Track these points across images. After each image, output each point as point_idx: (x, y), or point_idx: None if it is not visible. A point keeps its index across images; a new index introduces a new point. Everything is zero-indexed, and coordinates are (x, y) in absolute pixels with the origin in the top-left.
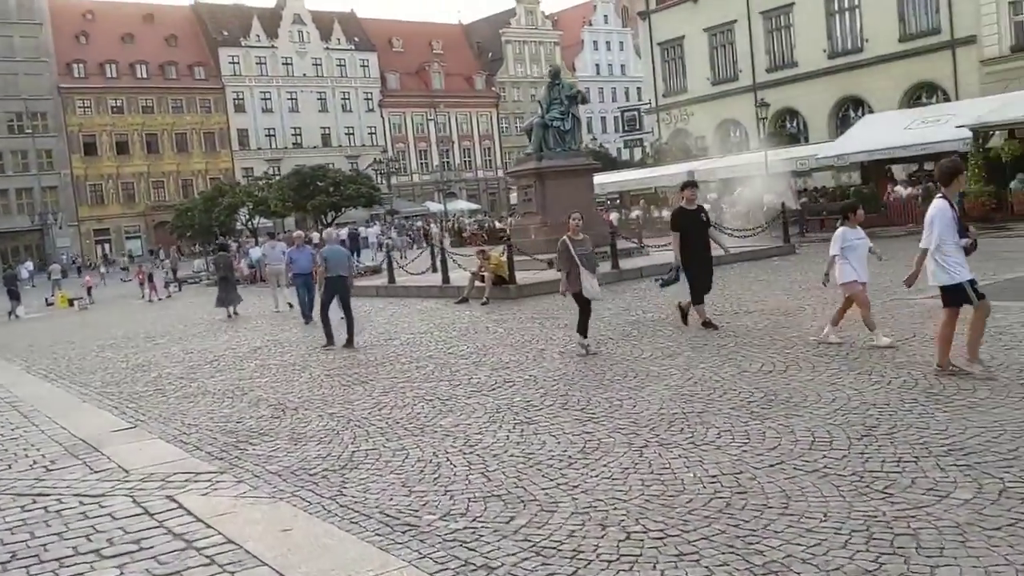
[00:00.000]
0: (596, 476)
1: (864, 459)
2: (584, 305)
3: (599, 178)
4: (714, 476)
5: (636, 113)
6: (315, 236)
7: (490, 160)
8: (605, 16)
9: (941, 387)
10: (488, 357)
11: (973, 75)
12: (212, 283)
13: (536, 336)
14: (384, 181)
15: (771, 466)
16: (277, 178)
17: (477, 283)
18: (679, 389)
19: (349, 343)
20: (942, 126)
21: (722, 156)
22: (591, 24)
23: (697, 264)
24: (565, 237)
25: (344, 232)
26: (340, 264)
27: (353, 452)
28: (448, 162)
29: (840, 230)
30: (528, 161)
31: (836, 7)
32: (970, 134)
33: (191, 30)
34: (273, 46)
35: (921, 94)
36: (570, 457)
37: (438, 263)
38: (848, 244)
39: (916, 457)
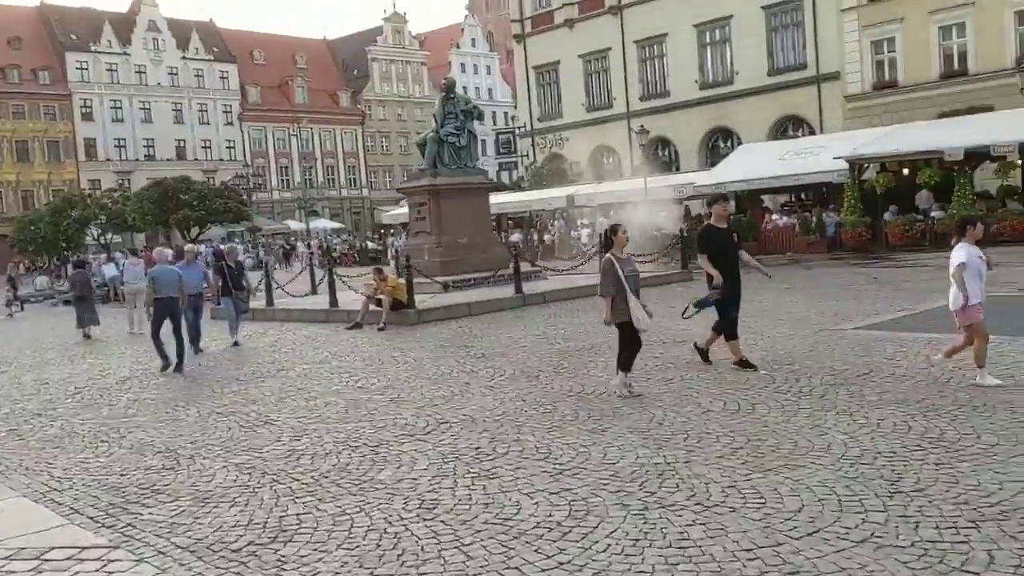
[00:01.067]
0: (603, 552)
1: (913, 524)
2: (631, 337)
3: None
4: (749, 550)
5: (510, 136)
6: (203, 249)
7: (354, 179)
8: (473, 40)
9: (939, 431)
10: (407, 392)
11: (837, 110)
12: (58, 303)
13: (453, 367)
14: (246, 196)
15: (809, 535)
16: (134, 190)
17: (372, 307)
18: (646, 432)
19: (178, 368)
20: (815, 158)
21: (600, 182)
22: (459, 47)
23: (730, 292)
24: (610, 255)
25: (204, 248)
26: (170, 285)
27: (281, 517)
28: (310, 179)
29: (961, 246)
30: (421, 177)
31: (708, 39)
32: (843, 166)
33: (36, 33)
34: (126, 53)
35: (788, 126)
36: (559, 524)
37: (318, 284)
38: (971, 262)
39: (973, 521)
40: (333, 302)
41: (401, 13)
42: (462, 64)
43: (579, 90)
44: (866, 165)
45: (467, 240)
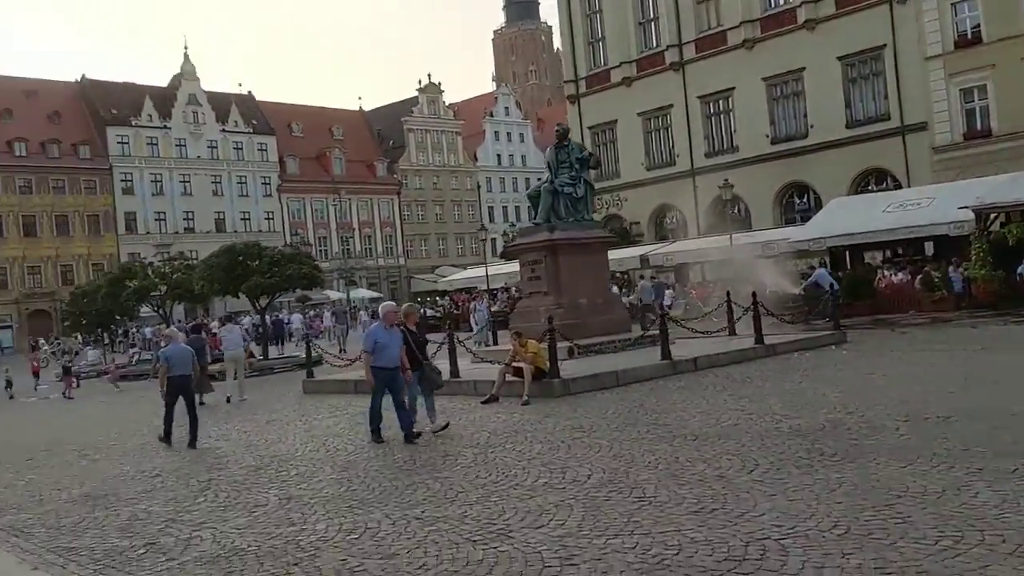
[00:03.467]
0: None
1: None
2: None
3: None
4: None
5: None
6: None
7: (391, 248)
8: (506, 108)
9: None
10: (650, 490)
11: (925, 162)
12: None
13: (676, 455)
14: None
15: None
16: (196, 259)
17: (509, 376)
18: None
19: (192, 444)
20: (924, 210)
21: (671, 240)
22: (492, 115)
23: None
24: None
25: (245, 320)
26: (184, 363)
27: None
28: (348, 249)
29: None
30: (536, 232)
31: (779, 92)
32: (961, 217)
33: (76, 107)
34: (166, 126)
35: (870, 180)
36: None
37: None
38: None
39: None
40: (454, 372)
41: (436, 83)
42: (495, 132)
43: (638, 148)
44: (992, 215)
45: (587, 300)
